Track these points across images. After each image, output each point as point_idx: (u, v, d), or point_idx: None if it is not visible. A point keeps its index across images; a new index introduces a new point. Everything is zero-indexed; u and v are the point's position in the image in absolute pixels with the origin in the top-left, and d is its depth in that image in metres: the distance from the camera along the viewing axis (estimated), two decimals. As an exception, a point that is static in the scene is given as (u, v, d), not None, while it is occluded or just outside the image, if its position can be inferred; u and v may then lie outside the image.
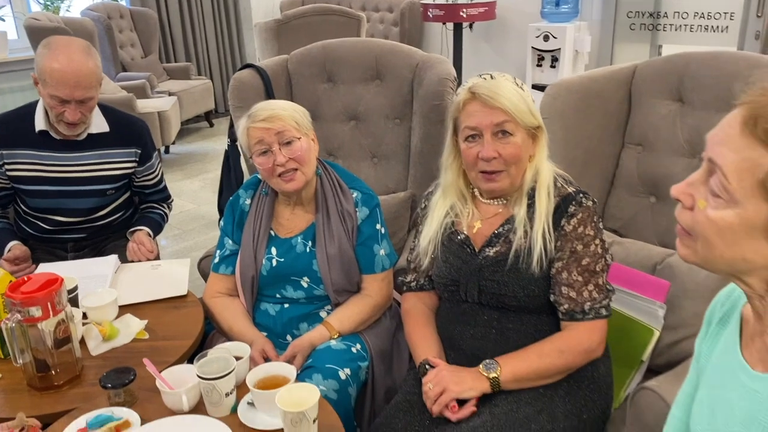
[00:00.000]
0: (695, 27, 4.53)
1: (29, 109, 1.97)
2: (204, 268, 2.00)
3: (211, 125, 6.25)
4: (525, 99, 1.36)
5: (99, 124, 1.98)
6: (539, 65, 4.89)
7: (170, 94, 5.42)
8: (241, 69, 2.28)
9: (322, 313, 1.73)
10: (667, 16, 4.64)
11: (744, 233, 0.73)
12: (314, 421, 1.19)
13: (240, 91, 2.21)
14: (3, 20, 5.04)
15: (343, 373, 1.55)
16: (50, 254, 2.06)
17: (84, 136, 1.97)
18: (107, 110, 2.02)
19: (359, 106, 2.27)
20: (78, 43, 1.82)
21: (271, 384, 1.27)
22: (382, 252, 1.75)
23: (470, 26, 5.27)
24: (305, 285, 1.72)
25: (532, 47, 4.85)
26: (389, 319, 1.80)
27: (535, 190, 1.43)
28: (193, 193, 4.57)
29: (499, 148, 1.35)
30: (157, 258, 2.04)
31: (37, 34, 4.53)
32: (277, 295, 1.75)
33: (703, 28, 4.50)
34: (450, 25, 5.20)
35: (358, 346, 1.66)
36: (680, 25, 4.59)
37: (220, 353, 1.31)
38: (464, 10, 4.86)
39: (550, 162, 1.47)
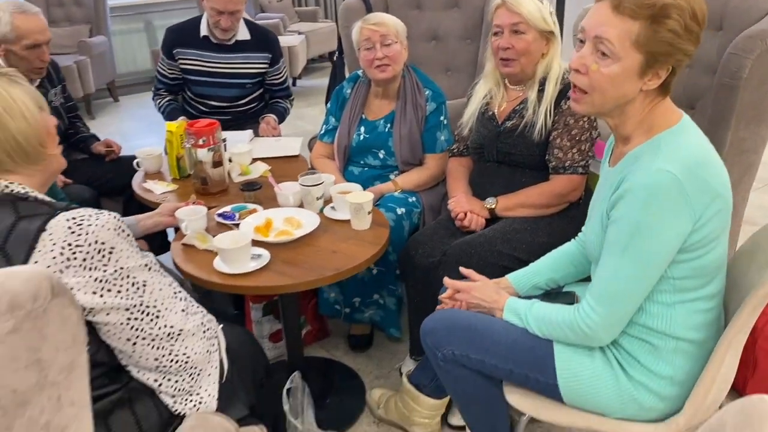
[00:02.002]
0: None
1: (196, 20, 2.74)
2: (311, 145, 2.70)
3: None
4: (540, 9, 1.89)
5: (243, 33, 2.72)
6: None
7: (299, 34, 6.21)
8: (349, -3, 2.93)
9: (391, 176, 2.37)
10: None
11: (625, 77, 1.19)
12: (369, 213, 1.85)
13: (347, 14, 2.86)
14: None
15: (399, 210, 2.19)
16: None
17: (232, 41, 2.71)
18: (249, 23, 2.76)
19: (439, 29, 2.85)
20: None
21: (345, 193, 1.93)
22: (442, 138, 2.35)
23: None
24: (381, 156, 2.37)
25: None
26: (441, 186, 2.41)
27: (546, 80, 1.96)
28: (312, 117, 5.33)
29: (513, 41, 1.90)
30: (280, 135, 2.77)
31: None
32: (361, 162, 2.41)
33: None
34: (555, -25, 5.53)
35: (414, 198, 2.29)
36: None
37: (315, 174, 1.99)
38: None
39: (563, 60, 1.99)
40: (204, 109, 2.83)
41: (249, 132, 2.69)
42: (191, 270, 1.69)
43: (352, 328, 2.39)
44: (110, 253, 1.09)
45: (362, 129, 2.38)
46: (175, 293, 1.20)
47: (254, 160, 2.41)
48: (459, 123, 2.19)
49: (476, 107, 2.10)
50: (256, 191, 2.03)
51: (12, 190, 1.14)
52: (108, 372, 1.15)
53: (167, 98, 2.85)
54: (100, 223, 1.09)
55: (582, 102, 1.26)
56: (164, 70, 2.80)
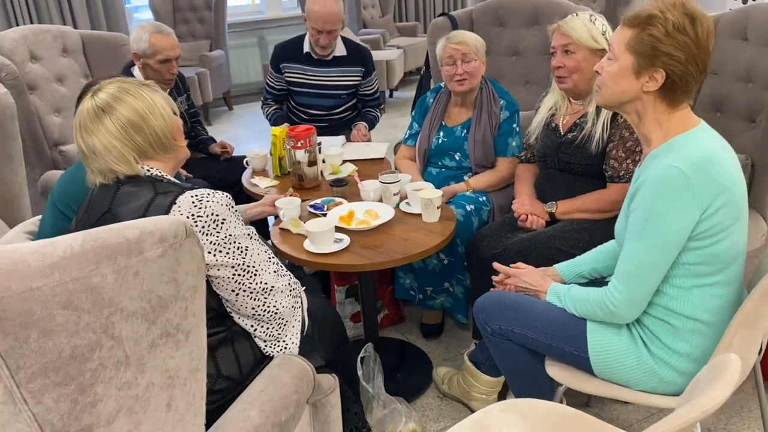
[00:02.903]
0: None
1: (300, 38, 3.11)
2: (397, 149, 2.99)
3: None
4: (590, 29, 2.08)
5: (340, 49, 3.06)
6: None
7: (398, 48, 6.55)
8: (438, 16, 3.20)
9: (465, 177, 2.61)
10: None
11: (621, 75, 1.45)
12: (438, 208, 2.11)
13: (434, 32, 3.14)
14: (281, -15, 6.53)
15: (469, 207, 2.43)
16: (305, 135, 3.20)
17: (330, 57, 3.06)
18: (345, 40, 3.10)
19: (520, 45, 3.07)
20: (330, -7, 2.90)
21: (418, 190, 2.20)
22: (513, 143, 2.58)
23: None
24: (457, 158, 2.62)
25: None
26: (511, 188, 2.62)
27: None
28: (404, 126, 5.53)
29: (564, 60, 2.10)
30: (369, 141, 3.09)
31: (304, -5, 5.89)
32: (439, 163, 2.67)
33: None
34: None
35: (484, 198, 2.53)
36: None
37: (393, 173, 2.27)
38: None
39: None
40: (304, 116, 3.19)
41: (342, 137, 3.02)
42: (286, 249, 2.01)
43: (424, 317, 2.65)
44: (222, 222, 1.41)
45: (441, 134, 2.65)
46: (269, 258, 1.51)
47: (344, 161, 2.73)
48: (527, 132, 2.41)
49: (542, 118, 2.31)
50: (343, 187, 2.35)
51: (152, 174, 1.49)
52: (216, 316, 1.48)
53: (273, 107, 3.24)
54: (216, 199, 1.42)
55: (598, 94, 1.55)
56: (272, 82, 3.19)
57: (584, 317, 1.57)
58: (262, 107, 3.29)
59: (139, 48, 2.68)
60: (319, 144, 2.71)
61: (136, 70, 2.75)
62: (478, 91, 2.60)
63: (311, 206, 2.26)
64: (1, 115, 2.23)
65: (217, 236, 1.41)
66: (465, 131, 2.60)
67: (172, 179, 1.52)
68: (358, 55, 3.11)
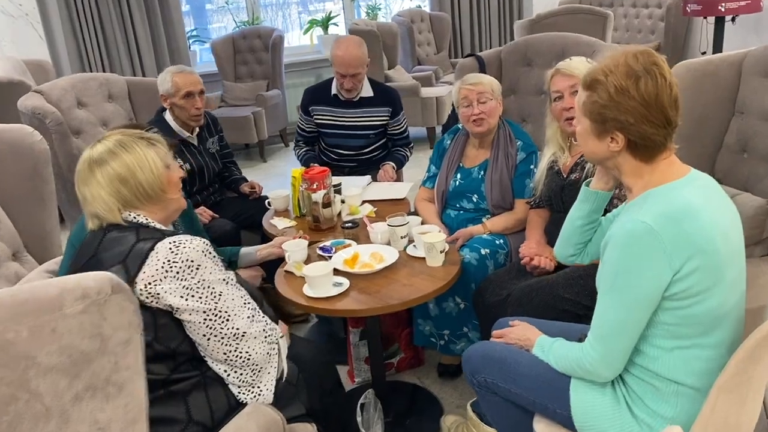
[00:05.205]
0: None
1: (328, 81, 3.18)
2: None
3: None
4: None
5: (367, 91, 3.10)
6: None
7: (450, 84, 6.57)
8: (465, 57, 3.20)
9: (483, 219, 2.57)
10: None
11: (586, 136, 1.41)
12: (441, 251, 2.08)
13: (462, 73, 3.13)
14: (336, 25, 6.73)
15: (484, 251, 2.38)
16: (336, 175, 3.24)
17: (357, 98, 3.11)
18: (373, 82, 3.14)
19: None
20: (354, 39, 2.96)
21: (424, 234, 2.18)
22: (531, 185, 2.52)
23: (732, 19, 5.34)
24: (475, 200, 2.59)
25: (797, 38, 4.79)
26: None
27: None
28: (455, 162, 5.61)
29: (573, 102, 2.04)
30: (397, 181, 3.10)
31: (357, 34, 6.02)
32: (457, 205, 2.64)
33: None
34: (712, 19, 5.34)
35: (501, 241, 2.47)
36: None
37: (402, 216, 2.27)
38: (723, 4, 5.01)
39: None
40: (334, 156, 3.24)
41: (368, 177, 3.05)
42: (286, 292, 2.03)
43: (442, 358, 2.60)
44: (197, 268, 1.45)
45: (458, 176, 2.62)
46: (244, 303, 1.53)
47: (365, 201, 2.75)
48: (534, 181, 2.36)
49: (545, 166, 2.27)
50: (354, 229, 2.35)
51: (138, 221, 1.55)
52: (190, 360, 1.51)
53: (305, 148, 3.31)
54: (193, 246, 1.46)
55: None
56: (302, 124, 3.26)
57: (566, 374, 1.50)
58: (294, 149, 3.37)
59: (164, 89, 2.82)
60: (338, 185, 2.74)
61: (168, 114, 2.88)
62: (496, 131, 2.57)
63: (320, 248, 2.27)
64: (36, 160, 2.38)
65: (191, 281, 1.44)
66: (482, 173, 2.57)
67: (159, 226, 1.58)
68: (384, 96, 3.14)
